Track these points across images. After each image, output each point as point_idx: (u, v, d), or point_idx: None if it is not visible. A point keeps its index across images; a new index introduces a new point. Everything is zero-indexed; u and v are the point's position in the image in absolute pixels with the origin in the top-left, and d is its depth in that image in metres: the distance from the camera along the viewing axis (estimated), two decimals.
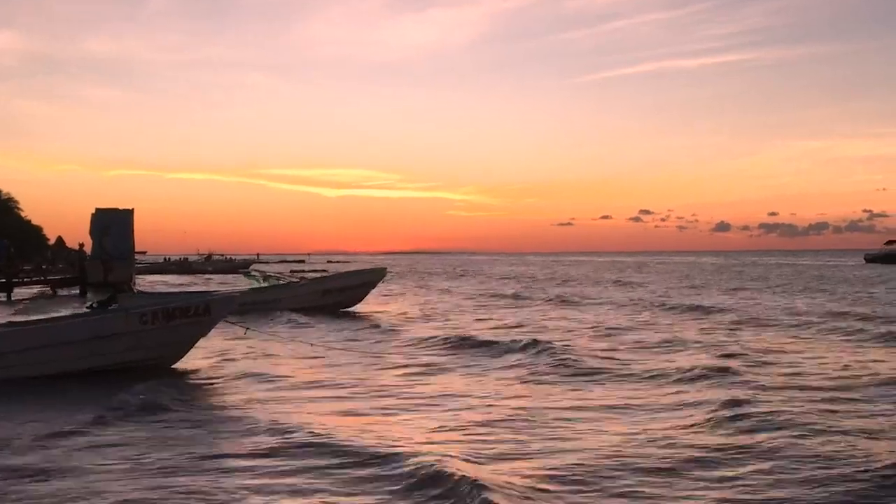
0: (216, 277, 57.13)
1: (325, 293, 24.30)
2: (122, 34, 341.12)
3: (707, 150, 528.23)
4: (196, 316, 11.88)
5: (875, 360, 12.02)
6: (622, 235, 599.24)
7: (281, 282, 27.25)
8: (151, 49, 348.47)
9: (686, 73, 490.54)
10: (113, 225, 35.65)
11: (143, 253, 60.61)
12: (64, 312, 17.63)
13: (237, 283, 36.61)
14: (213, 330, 12.55)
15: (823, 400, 8.77)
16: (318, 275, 34.72)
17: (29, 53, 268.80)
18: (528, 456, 6.51)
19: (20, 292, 33.78)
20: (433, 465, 5.89)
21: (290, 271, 53.52)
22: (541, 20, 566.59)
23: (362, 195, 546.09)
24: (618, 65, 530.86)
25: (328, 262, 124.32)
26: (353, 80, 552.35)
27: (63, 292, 35.20)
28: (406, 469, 5.94)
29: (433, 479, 5.63)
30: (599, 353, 13.09)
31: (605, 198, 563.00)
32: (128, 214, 36.68)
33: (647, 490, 5.54)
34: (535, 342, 13.85)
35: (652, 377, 10.69)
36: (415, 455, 6.24)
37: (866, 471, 5.76)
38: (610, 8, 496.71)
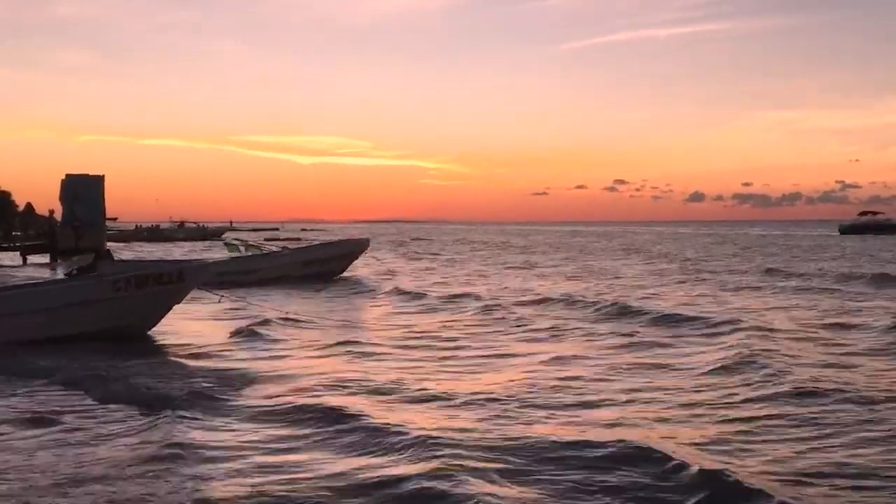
0: (187, 245, 56.45)
1: (307, 264, 23.97)
2: None
3: (681, 121, 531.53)
4: (169, 283, 11.72)
5: None
6: (597, 205, 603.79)
7: (262, 251, 26.91)
8: (124, 14, 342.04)
9: (660, 42, 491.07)
10: (83, 191, 35.21)
11: (115, 219, 59.57)
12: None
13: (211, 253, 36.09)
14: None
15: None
16: (294, 243, 34.42)
17: None
18: None
19: None
20: None
21: (265, 239, 53.13)
22: None
23: (336, 163, 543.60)
24: (592, 34, 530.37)
25: (302, 230, 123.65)
26: (327, 46, 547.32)
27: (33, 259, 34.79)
28: None
29: None
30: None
31: (580, 168, 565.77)
32: (99, 181, 36.27)
33: None
34: None
35: None
36: None
37: None
38: None
